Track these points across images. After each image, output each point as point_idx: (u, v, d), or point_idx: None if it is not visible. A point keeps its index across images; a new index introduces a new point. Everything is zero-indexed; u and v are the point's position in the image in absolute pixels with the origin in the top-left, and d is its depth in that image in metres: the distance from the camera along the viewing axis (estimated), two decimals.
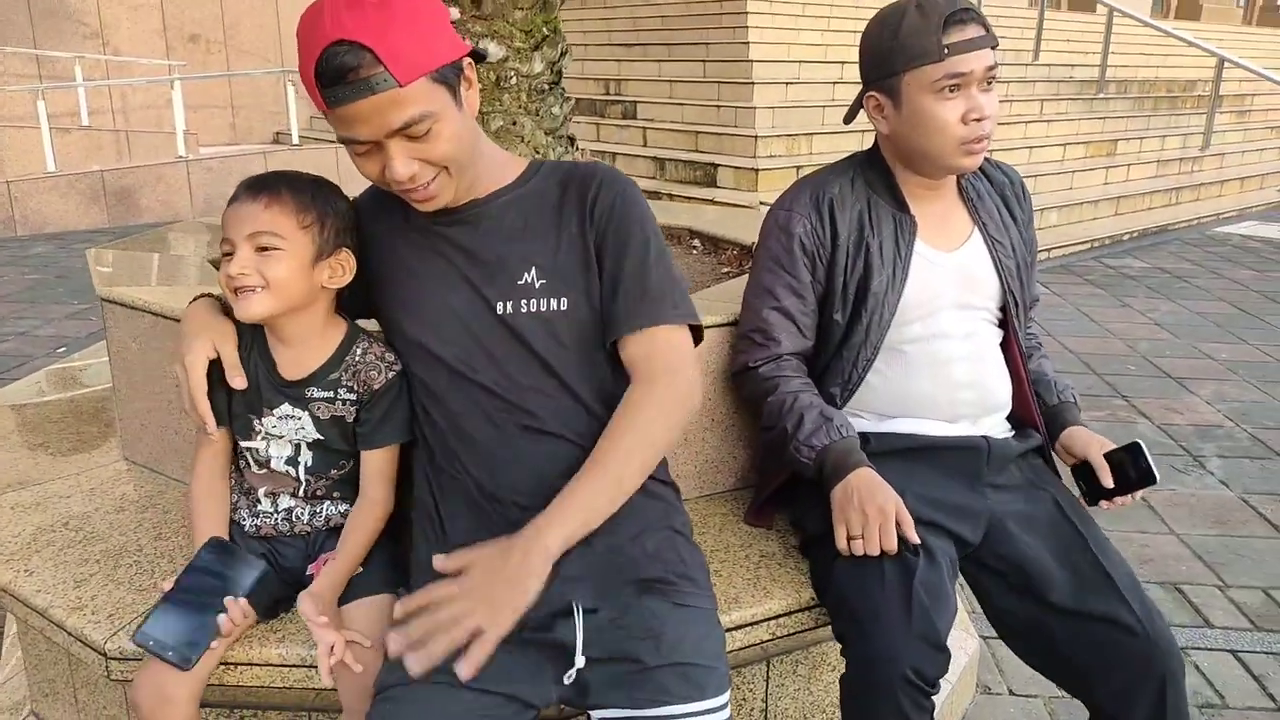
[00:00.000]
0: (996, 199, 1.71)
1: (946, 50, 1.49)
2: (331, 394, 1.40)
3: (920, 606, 1.37)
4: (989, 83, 1.52)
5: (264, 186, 1.32)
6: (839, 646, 1.71)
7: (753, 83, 7.93)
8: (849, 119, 1.71)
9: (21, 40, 9.40)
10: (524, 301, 1.30)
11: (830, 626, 1.51)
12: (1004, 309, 1.68)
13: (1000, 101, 8.43)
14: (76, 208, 8.11)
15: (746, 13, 9.20)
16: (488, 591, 1.09)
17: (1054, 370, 1.83)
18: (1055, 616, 1.47)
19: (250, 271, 1.29)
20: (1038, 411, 1.71)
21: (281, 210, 1.31)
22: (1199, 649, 2.43)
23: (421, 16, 1.18)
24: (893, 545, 1.42)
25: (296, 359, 1.40)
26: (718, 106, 7.88)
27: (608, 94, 9.07)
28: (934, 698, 1.37)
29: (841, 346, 1.63)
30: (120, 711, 1.67)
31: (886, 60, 1.54)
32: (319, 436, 1.41)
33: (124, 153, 9.13)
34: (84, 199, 8.16)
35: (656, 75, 8.99)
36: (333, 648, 1.30)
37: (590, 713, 1.27)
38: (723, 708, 1.24)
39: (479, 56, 1.30)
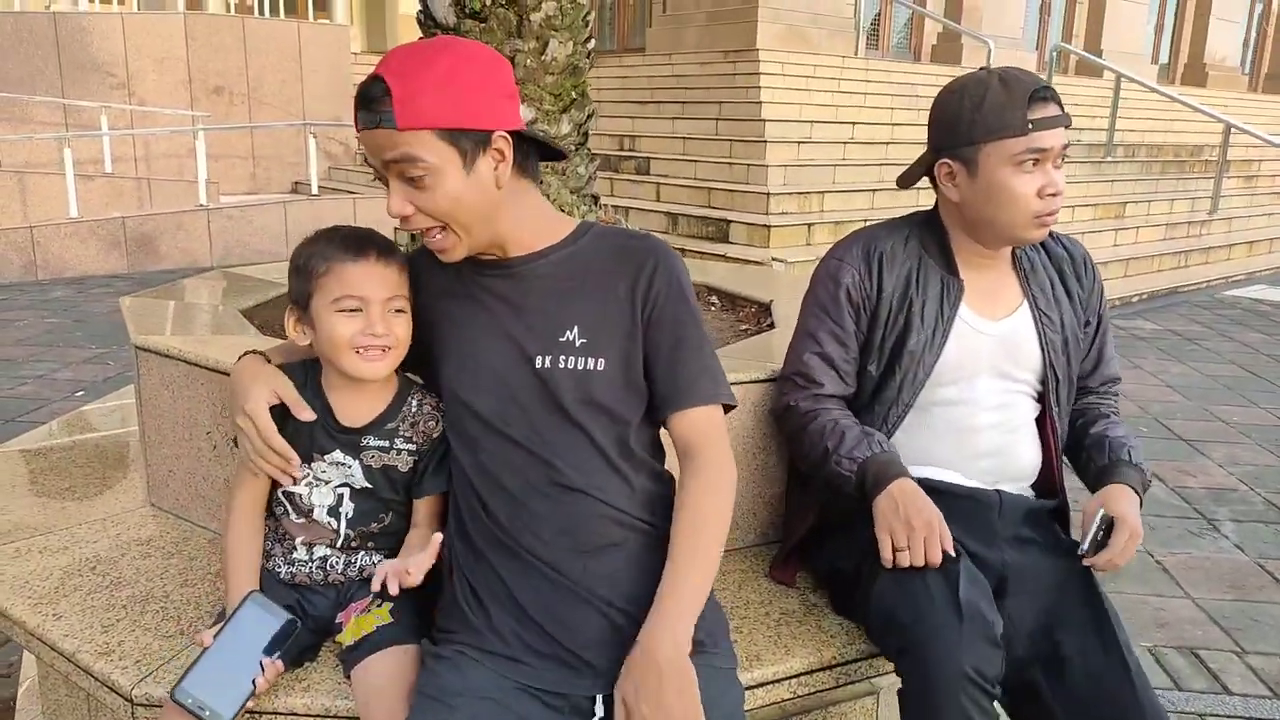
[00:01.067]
0: (1052, 272, 1.72)
1: (1030, 125, 1.53)
2: (388, 443, 1.44)
3: (971, 606, 1.39)
4: (1061, 160, 1.56)
5: (388, 248, 1.39)
6: (860, 705, 1.72)
7: (765, 141, 8.06)
8: (906, 183, 1.73)
9: (50, 89, 9.63)
10: (563, 358, 1.33)
11: (875, 660, 1.54)
12: (1044, 383, 1.69)
13: None
14: (97, 253, 8.23)
15: (759, 73, 9.39)
16: (668, 715, 1.18)
17: (1127, 433, 1.76)
18: (1057, 688, 1.49)
19: (389, 333, 1.36)
20: (1061, 480, 1.71)
21: (404, 275, 1.40)
22: (1217, 716, 2.41)
23: (461, 80, 1.25)
24: (938, 558, 1.45)
25: (355, 407, 1.43)
26: (730, 164, 8.01)
27: (622, 149, 9.21)
28: (996, 702, 1.38)
29: (874, 400, 1.65)
30: None
31: (966, 130, 1.57)
32: (367, 485, 1.44)
33: (145, 200, 9.29)
34: (104, 245, 8.28)
35: (670, 132, 9.14)
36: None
37: None
38: None
39: (530, 135, 1.36)
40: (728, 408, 1.42)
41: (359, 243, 1.38)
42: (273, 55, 11.17)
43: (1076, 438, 1.76)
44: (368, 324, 1.35)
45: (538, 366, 1.33)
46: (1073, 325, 1.71)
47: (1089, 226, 8.75)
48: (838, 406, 1.68)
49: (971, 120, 1.56)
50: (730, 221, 7.15)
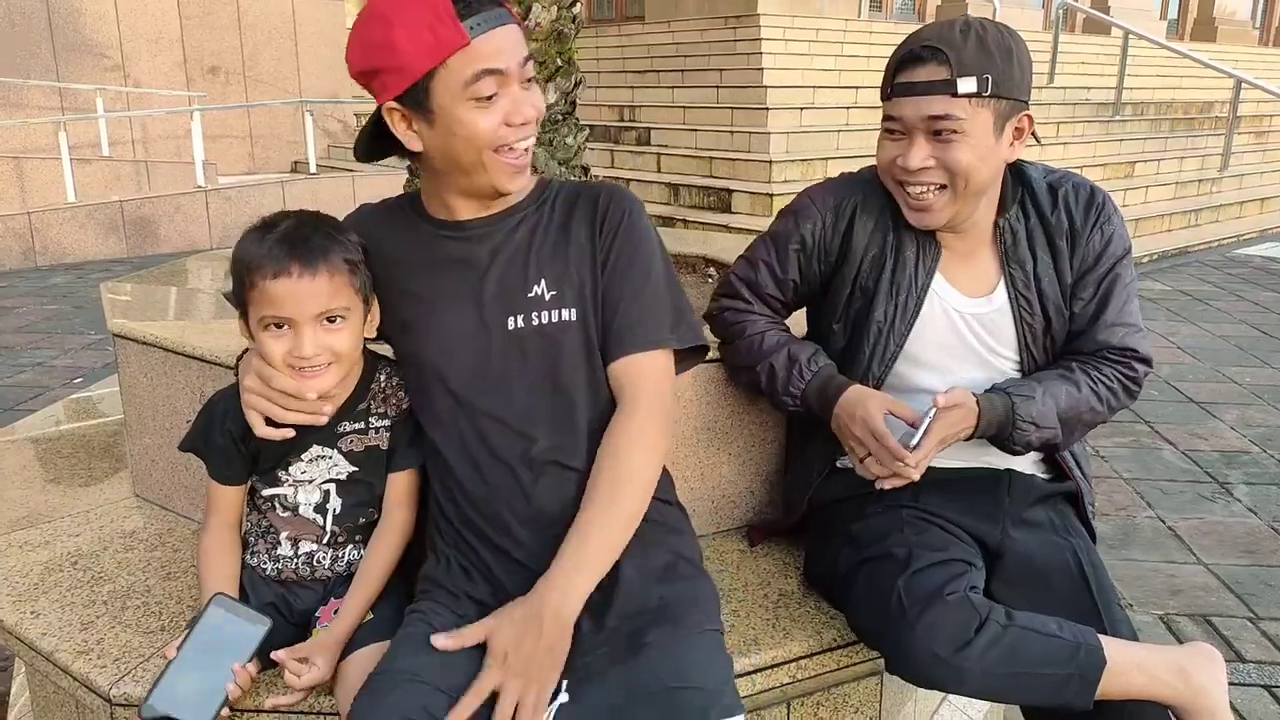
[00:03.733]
0: (1040, 240, 1.55)
1: (891, 91, 1.45)
2: (363, 424, 1.39)
3: (918, 588, 1.36)
4: (938, 133, 1.41)
5: (316, 257, 1.25)
6: (861, 687, 1.68)
7: (767, 108, 7.95)
8: None
9: (45, 73, 9.55)
10: (534, 314, 1.30)
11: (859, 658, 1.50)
12: (1022, 368, 1.58)
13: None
14: (95, 238, 8.19)
15: (760, 39, 9.24)
16: (527, 667, 1.16)
17: (1088, 401, 1.53)
18: None
19: (322, 349, 1.27)
20: (1068, 466, 1.62)
21: (341, 280, 1.27)
22: (1232, 684, 2.36)
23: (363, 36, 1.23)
24: (888, 465, 1.43)
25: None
26: (731, 132, 7.90)
27: (622, 120, 9.10)
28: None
29: (844, 372, 1.58)
30: None
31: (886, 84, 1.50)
32: (353, 469, 1.39)
33: (143, 183, 9.23)
34: (103, 229, 8.23)
35: (670, 101, 9.02)
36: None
37: None
38: None
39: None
40: (693, 354, 1.38)
41: (281, 255, 1.24)
42: (268, 33, 11.06)
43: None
44: (296, 344, 1.26)
45: (510, 328, 1.30)
46: (1056, 300, 1.54)
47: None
48: (761, 314, 1.63)
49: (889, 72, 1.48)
50: (732, 191, 7.06)
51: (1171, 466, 3.73)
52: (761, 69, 8.73)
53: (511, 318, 1.30)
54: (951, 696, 2.07)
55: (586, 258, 1.32)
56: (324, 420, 1.33)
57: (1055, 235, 1.55)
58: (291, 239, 1.26)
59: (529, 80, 1.24)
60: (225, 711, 1.27)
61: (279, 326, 1.26)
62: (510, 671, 1.16)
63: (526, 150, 1.26)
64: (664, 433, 1.31)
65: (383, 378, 1.40)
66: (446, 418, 1.33)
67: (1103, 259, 1.55)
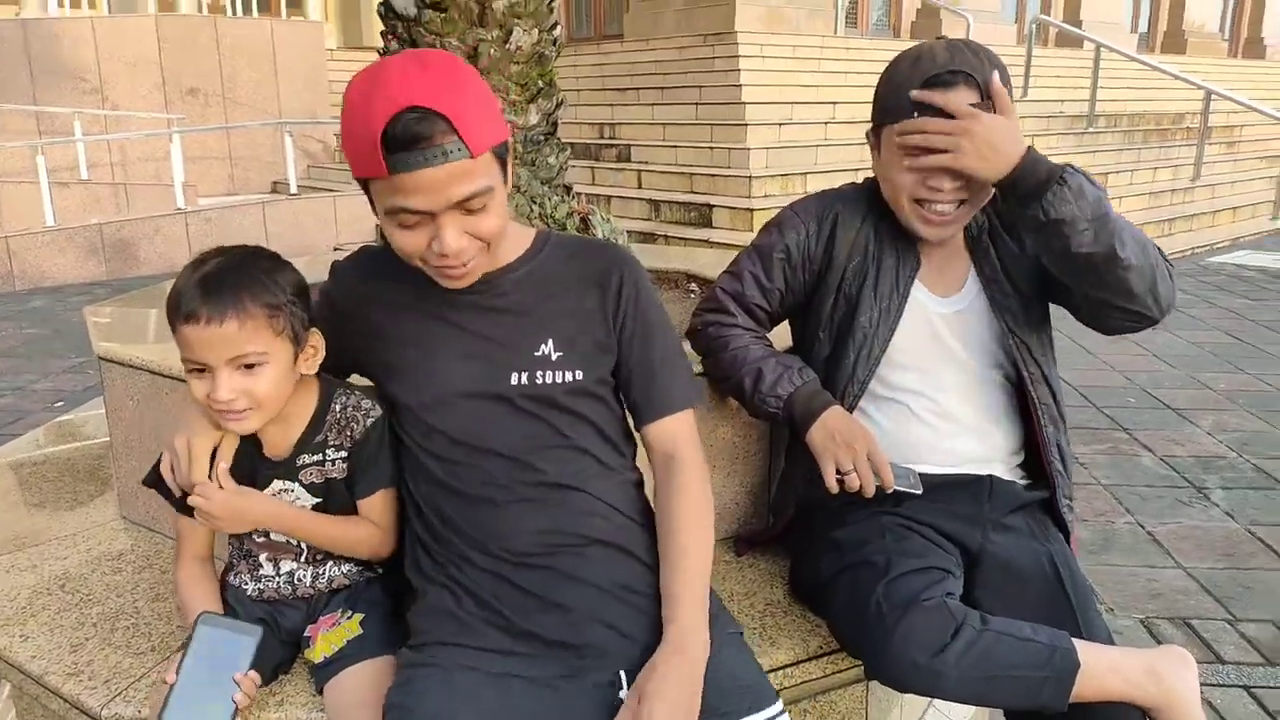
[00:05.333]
0: (997, 225, 1.63)
1: (916, 113, 1.48)
2: (320, 456, 1.39)
3: (895, 595, 1.39)
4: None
5: (225, 303, 1.23)
6: (848, 694, 1.70)
7: (745, 124, 8.02)
8: None
9: (21, 97, 9.52)
10: (540, 373, 1.31)
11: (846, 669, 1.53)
12: (1011, 358, 1.63)
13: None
14: (75, 261, 8.15)
15: (738, 55, 9.34)
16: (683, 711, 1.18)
17: (1131, 230, 1.46)
18: None
19: (239, 395, 1.26)
20: (1050, 460, 1.65)
21: (255, 325, 1.25)
22: (1211, 685, 2.40)
23: (484, 91, 1.21)
24: (872, 486, 1.46)
25: (281, 435, 1.37)
26: (711, 148, 7.97)
27: (602, 138, 9.16)
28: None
29: (829, 378, 1.62)
30: None
31: (876, 107, 1.55)
32: (316, 500, 1.40)
33: (123, 205, 9.20)
34: (82, 252, 8.19)
35: (650, 119, 9.09)
36: None
37: None
38: (781, 713, 1.25)
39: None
40: None
41: (193, 299, 1.23)
42: (246, 55, 11.06)
43: None
44: (213, 388, 1.26)
45: (513, 383, 1.31)
46: (1031, 273, 1.60)
47: None
48: (747, 328, 1.67)
49: (879, 95, 1.53)
50: (713, 206, 7.12)
51: (1150, 472, 3.78)
52: (740, 85, 8.82)
53: (517, 374, 1.31)
54: (936, 701, 2.09)
55: (597, 325, 1.35)
56: (203, 504, 1.32)
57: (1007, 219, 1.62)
58: (207, 283, 1.24)
59: (470, 211, 1.19)
60: None
61: (199, 370, 1.27)
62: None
63: (465, 264, 1.23)
64: (708, 479, 1.39)
65: (338, 407, 1.39)
66: (442, 454, 1.33)
67: None
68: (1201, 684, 2.37)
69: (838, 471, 1.50)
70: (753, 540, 1.81)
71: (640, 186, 8.15)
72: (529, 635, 1.27)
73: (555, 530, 1.30)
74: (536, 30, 2.04)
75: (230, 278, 1.25)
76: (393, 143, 1.12)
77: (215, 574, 1.44)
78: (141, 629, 1.57)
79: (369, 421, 1.38)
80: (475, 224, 1.20)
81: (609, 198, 8.06)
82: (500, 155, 1.22)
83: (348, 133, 1.17)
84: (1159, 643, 2.59)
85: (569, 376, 1.31)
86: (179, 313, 1.24)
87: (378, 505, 1.40)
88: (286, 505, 1.38)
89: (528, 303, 1.34)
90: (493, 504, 1.31)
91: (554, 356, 1.31)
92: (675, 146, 8.28)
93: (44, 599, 1.66)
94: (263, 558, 1.43)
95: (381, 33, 2.12)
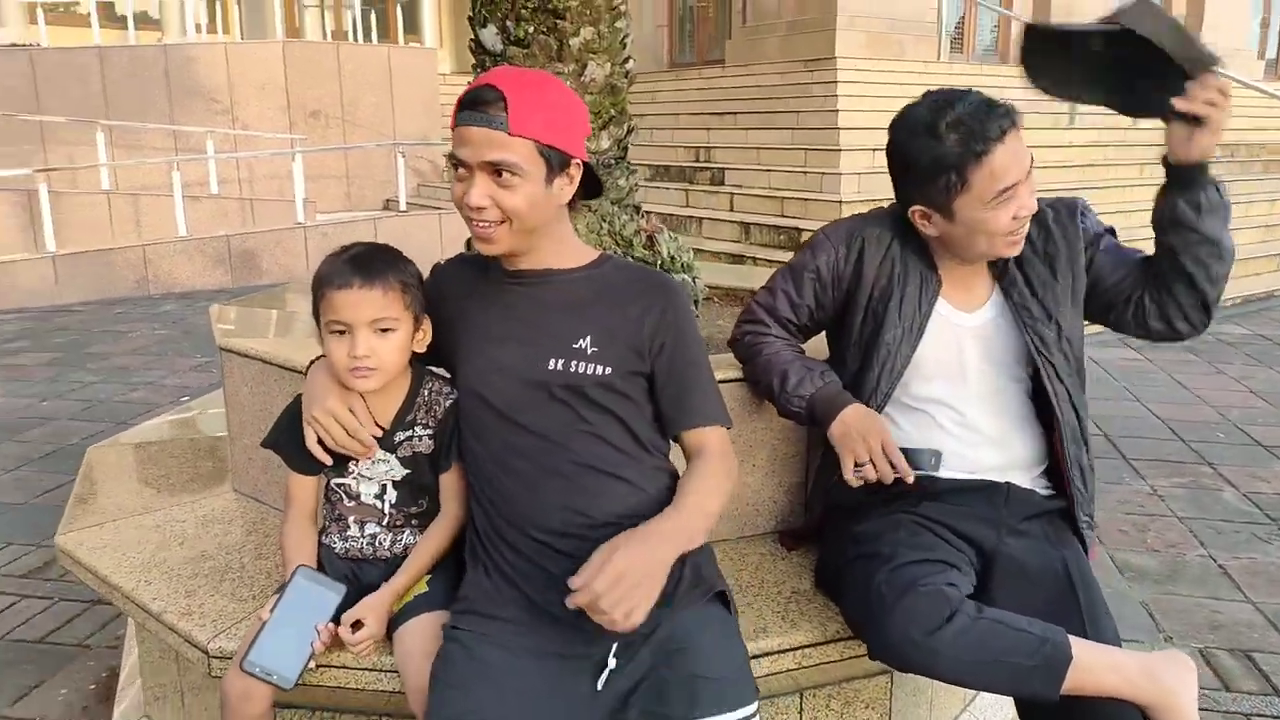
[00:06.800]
0: (1029, 257, 1.72)
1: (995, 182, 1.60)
2: (411, 433, 1.61)
3: (896, 581, 1.51)
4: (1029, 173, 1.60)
5: (374, 272, 1.49)
6: (871, 684, 1.82)
7: (840, 149, 8.10)
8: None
9: (161, 117, 10.30)
10: (574, 363, 1.49)
11: (860, 653, 1.63)
12: (1034, 374, 1.73)
13: (1098, 165, 8.21)
14: (203, 269, 8.78)
15: (836, 81, 9.42)
16: (632, 590, 1.30)
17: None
18: None
19: (371, 353, 1.51)
20: (1070, 477, 1.73)
21: (393, 295, 1.50)
22: (1264, 717, 2.40)
23: (562, 110, 1.45)
24: (890, 476, 1.58)
25: (382, 410, 1.60)
26: (804, 172, 8.07)
27: (697, 161, 9.36)
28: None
29: (854, 389, 1.74)
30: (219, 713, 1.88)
31: (939, 181, 1.62)
32: (406, 471, 1.62)
33: (248, 219, 9.84)
34: (210, 261, 8.82)
35: (745, 143, 9.24)
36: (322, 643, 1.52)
37: None
38: (751, 716, 1.38)
39: (593, 171, 1.55)
40: None
41: (346, 270, 1.49)
42: (365, 79, 11.69)
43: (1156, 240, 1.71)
44: (351, 346, 1.50)
45: (550, 368, 1.48)
46: (1064, 307, 1.71)
47: None
48: (780, 338, 1.81)
49: (932, 164, 1.59)
50: (802, 229, 7.21)
51: (1229, 507, 3.73)
52: (836, 111, 8.89)
53: (554, 360, 1.49)
54: (972, 707, 2.17)
55: (634, 334, 1.51)
56: (369, 454, 1.58)
57: (1045, 249, 1.73)
58: (357, 260, 1.52)
59: (499, 174, 1.41)
60: (311, 664, 1.51)
61: (340, 332, 1.51)
62: (625, 587, 1.29)
63: (489, 226, 1.45)
64: (733, 478, 1.53)
65: (427, 392, 1.62)
66: (488, 428, 1.52)
67: (1095, 238, 1.76)
68: (1253, 715, 2.39)
69: (856, 465, 1.62)
70: (796, 535, 1.94)
71: (732, 209, 8.30)
72: (543, 612, 1.45)
73: (583, 512, 1.46)
74: (609, 64, 2.23)
75: (376, 258, 1.53)
76: (464, 103, 1.42)
77: (315, 532, 1.67)
78: (245, 581, 1.81)
79: (449, 404, 1.60)
80: (501, 194, 1.42)
81: (700, 220, 8.24)
82: (547, 156, 1.43)
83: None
84: (1216, 674, 2.59)
85: (600, 370, 1.48)
86: (331, 282, 1.51)
87: (457, 474, 1.62)
88: (397, 582, 1.58)
89: (576, 302, 1.53)
90: (525, 478, 1.48)
91: (589, 350, 1.48)
92: (769, 170, 8.41)
93: (165, 553, 1.92)
94: (351, 520, 1.65)
95: (472, 66, 2.36)
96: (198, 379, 5.61)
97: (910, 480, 1.62)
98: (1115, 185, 8.78)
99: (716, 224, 8.06)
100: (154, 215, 9.21)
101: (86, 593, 3.02)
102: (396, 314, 1.52)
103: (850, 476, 1.62)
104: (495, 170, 1.41)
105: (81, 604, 2.98)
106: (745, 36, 12.05)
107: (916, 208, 1.67)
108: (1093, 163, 9.12)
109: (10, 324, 7.27)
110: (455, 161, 1.45)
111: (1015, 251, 1.67)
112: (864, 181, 7.70)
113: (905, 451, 1.64)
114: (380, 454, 1.60)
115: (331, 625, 1.53)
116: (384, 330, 1.51)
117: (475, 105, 1.40)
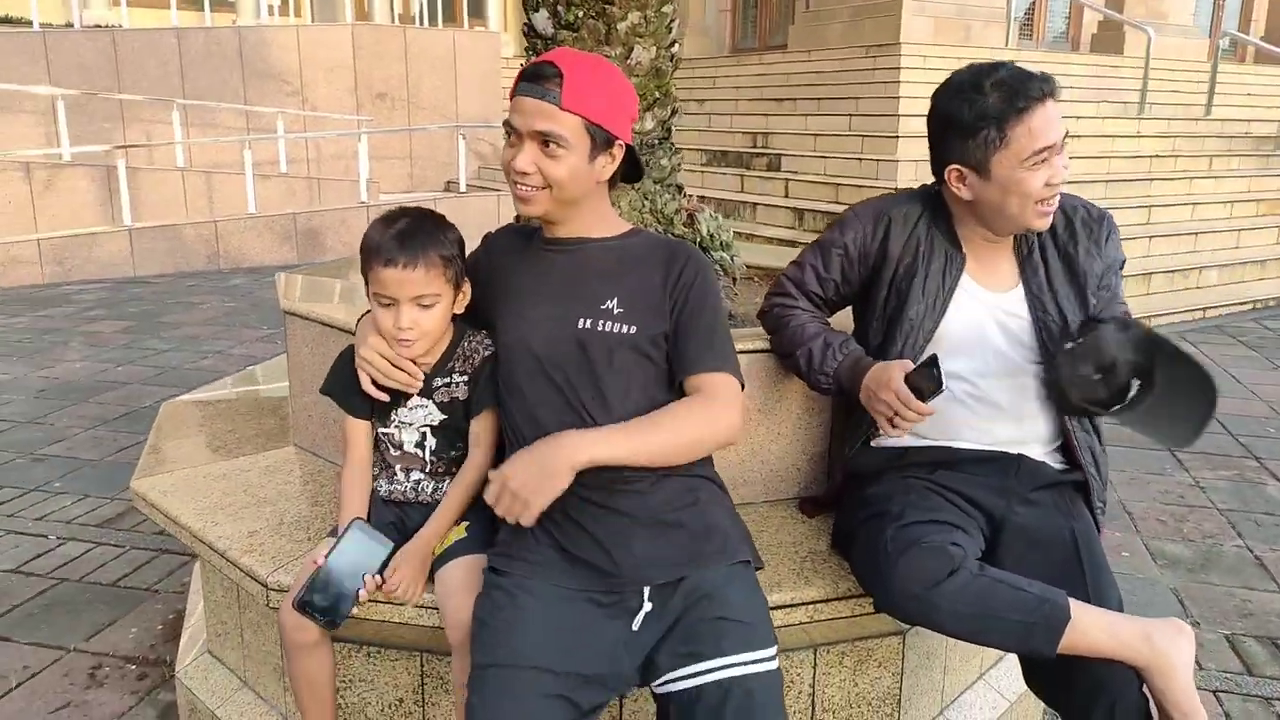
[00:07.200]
0: (1052, 254, 1.79)
1: (994, 130, 1.67)
2: (449, 380, 1.74)
3: (900, 539, 1.59)
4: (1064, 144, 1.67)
5: (416, 254, 1.61)
6: (884, 644, 1.90)
7: (898, 136, 8.06)
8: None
9: (234, 98, 10.63)
10: (601, 322, 1.60)
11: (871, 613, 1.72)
12: (1041, 359, 1.77)
13: (1166, 156, 8.05)
14: (270, 245, 9.09)
15: (899, 68, 9.34)
16: (523, 486, 1.46)
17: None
18: None
19: (414, 325, 1.65)
20: (1084, 463, 1.79)
21: (435, 273, 1.64)
22: None
23: (612, 93, 1.58)
24: (913, 418, 1.64)
25: (424, 361, 1.73)
26: (860, 159, 8.06)
27: (754, 146, 9.39)
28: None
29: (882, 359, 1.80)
30: (275, 647, 2.04)
31: (977, 138, 1.68)
32: (444, 417, 1.75)
33: (314, 198, 10.14)
34: (277, 238, 9.13)
35: (803, 129, 9.24)
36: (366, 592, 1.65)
37: (654, 689, 1.52)
38: (772, 658, 1.49)
39: (635, 155, 1.66)
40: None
41: (393, 249, 1.61)
42: (430, 62, 11.92)
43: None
44: (395, 318, 1.64)
45: (579, 326, 1.60)
46: (1072, 301, 1.77)
47: (1248, 223, 8.30)
48: (806, 311, 1.88)
49: (967, 123, 1.65)
50: None
51: (1272, 500, 3.71)
52: (897, 98, 8.82)
53: (583, 319, 1.61)
54: (987, 675, 2.24)
55: (656, 295, 1.62)
56: (416, 388, 1.71)
57: (1066, 247, 1.79)
58: (403, 238, 1.63)
59: (546, 144, 1.53)
60: (355, 609, 1.65)
61: (386, 304, 1.65)
62: (516, 484, 1.45)
63: (530, 190, 1.57)
64: (722, 425, 1.57)
65: (467, 344, 1.75)
66: (521, 386, 1.63)
67: (1114, 263, 1.83)
68: (1274, 698, 2.41)
69: (890, 422, 1.67)
70: (816, 503, 2.03)
71: (787, 195, 8.33)
72: (575, 559, 1.56)
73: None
74: (655, 47, 2.33)
75: (419, 234, 1.66)
76: (524, 75, 1.56)
77: (369, 481, 1.81)
78: (301, 525, 1.96)
79: (485, 353, 1.74)
80: (546, 163, 1.55)
81: (755, 205, 8.28)
82: (594, 134, 1.55)
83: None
84: (1243, 661, 2.61)
85: (626, 329, 1.59)
86: (380, 258, 1.64)
87: (485, 421, 1.74)
88: (427, 530, 1.72)
89: (606, 268, 1.64)
90: (555, 431, 1.56)
91: (615, 311, 1.60)
92: (825, 157, 8.41)
93: (230, 499, 2.08)
94: (398, 468, 1.79)
95: (525, 49, 2.47)
96: (263, 349, 5.85)
97: (932, 412, 1.65)
98: (1183, 177, 8.59)
99: (771, 210, 8.10)
100: (225, 192, 9.53)
101: (156, 542, 3.24)
102: (438, 289, 1.66)
103: (888, 429, 1.68)
104: (544, 140, 1.53)
105: (151, 552, 3.20)
106: (808, 21, 11.99)
107: (954, 167, 1.71)
108: (1160, 153, 8.93)
109: (89, 293, 7.64)
110: (508, 129, 1.57)
111: (1044, 225, 1.71)
112: (921, 169, 7.63)
113: (911, 378, 1.64)
114: (418, 400, 1.74)
115: (377, 576, 1.66)
116: (426, 306, 1.65)
117: (533, 79, 1.53)
